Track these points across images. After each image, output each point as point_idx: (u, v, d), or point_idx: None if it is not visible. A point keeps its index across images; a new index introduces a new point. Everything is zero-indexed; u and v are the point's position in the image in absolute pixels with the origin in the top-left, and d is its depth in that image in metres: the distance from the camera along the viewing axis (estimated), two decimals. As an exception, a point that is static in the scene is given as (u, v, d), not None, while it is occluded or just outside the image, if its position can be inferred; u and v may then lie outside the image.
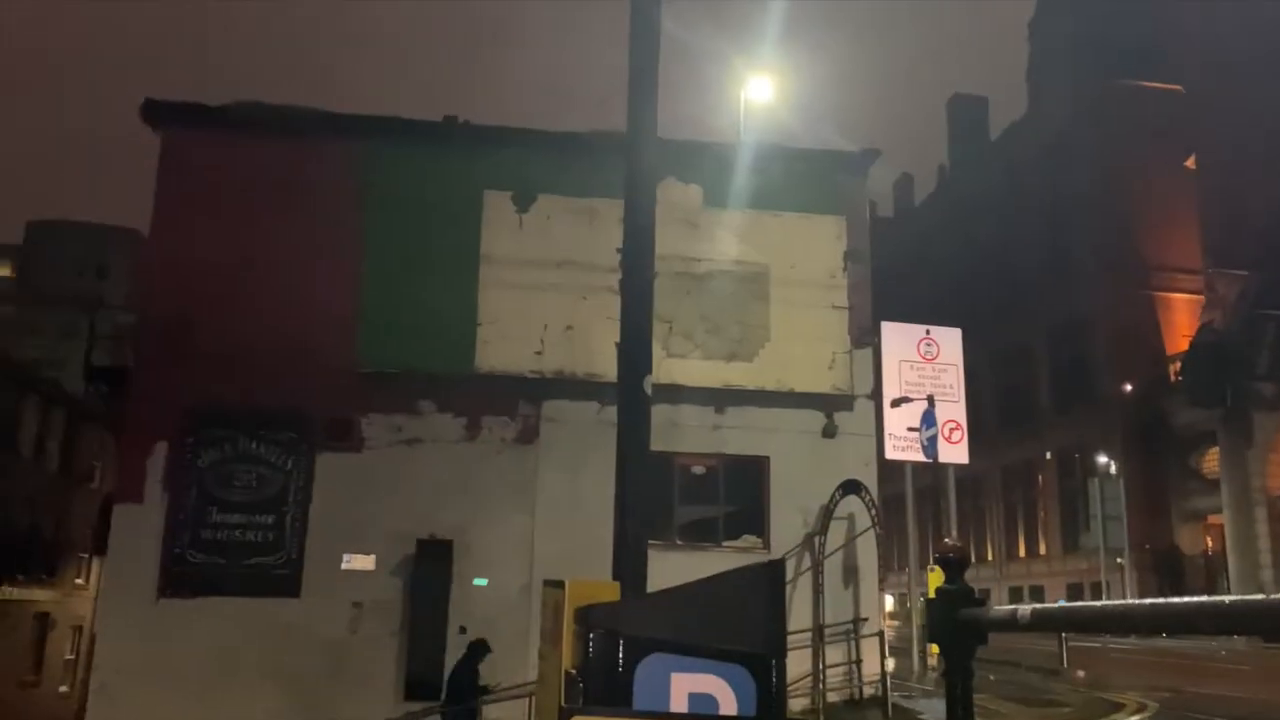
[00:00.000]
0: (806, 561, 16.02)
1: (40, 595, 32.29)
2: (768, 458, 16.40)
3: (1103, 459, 41.26)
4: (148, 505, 15.04)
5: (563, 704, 2.94)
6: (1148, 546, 41.60)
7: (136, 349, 16.25)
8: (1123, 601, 2.76)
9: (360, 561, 15.25)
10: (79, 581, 34.63)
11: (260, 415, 15.43)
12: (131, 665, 14.45)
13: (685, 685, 2.83)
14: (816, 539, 16.00)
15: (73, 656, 33.83)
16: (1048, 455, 50.31)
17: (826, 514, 15.99)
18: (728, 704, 2.86)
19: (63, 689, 33.08)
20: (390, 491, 15.38)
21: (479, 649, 13.12)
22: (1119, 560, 38.12)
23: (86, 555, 33.77)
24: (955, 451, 17.50)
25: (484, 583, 15.39)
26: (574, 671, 2.90)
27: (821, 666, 15.33)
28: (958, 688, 3.47)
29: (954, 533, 18.65)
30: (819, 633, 15.57)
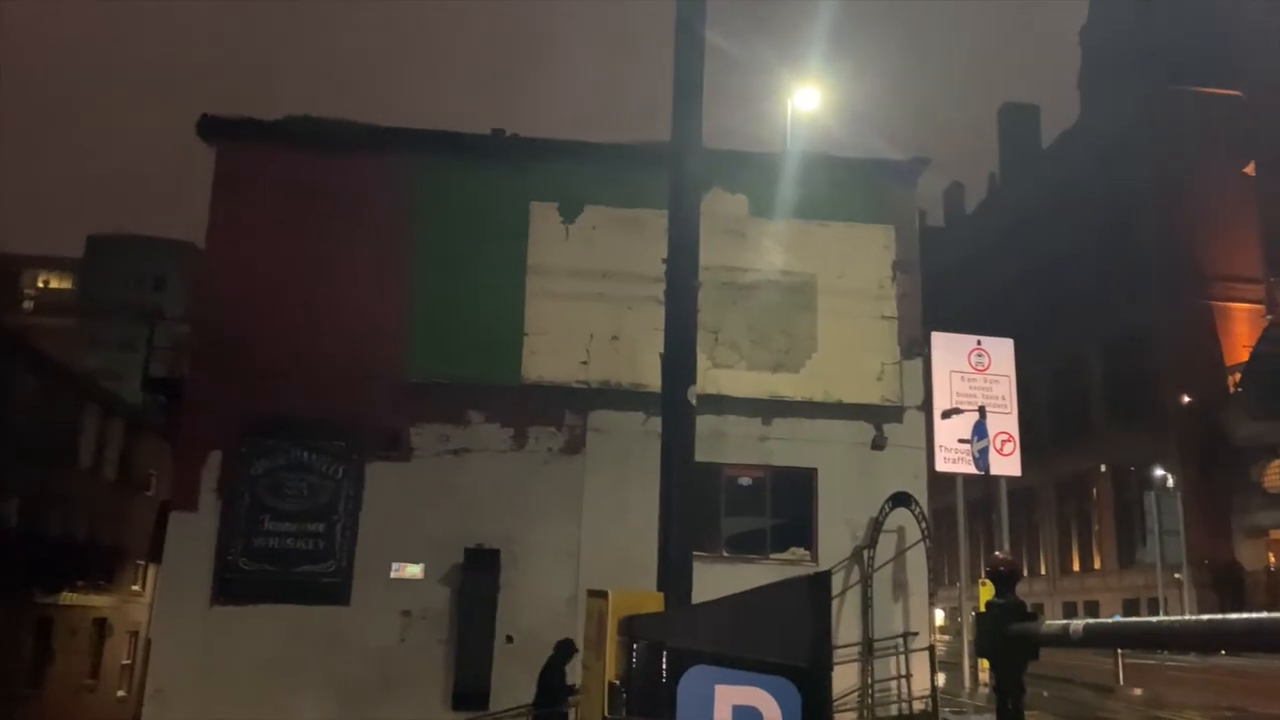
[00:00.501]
0: (855, 575, 15.86)
1: (98, 601, 32.95)
2: (815, 469, 16.29)
3: (1159, 472, 40.37)
4: (202, 513, 15.29)
5: (606, 714, 2.93)
6: (1207, 562, 40.58)
7: (192, 360, 16.55)
8: (1180, 617, 2.69)
9: (409, 570, 15.37)
10: (135, 588, 35.29)
11: (312, 425, 15.63)
12: (186, 671, 14.69)
13: (729, 697, 2.81)
14: (865, 552, 15.84)
15: (129, 661, 34.47)
16: (1102, 468, 49.33)
17: (875, 527, 15.82)
18: (772, 717, 2.83)
19: (120, 693, 33.70)
20: (438, 501, 15.50)
21: (566, 648, 13.07)
22: (1177, 576, 37.23)
23: (143, 562, 34.36)
24: (1007, 464, 17.22)
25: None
26: (617, 682, 2.90)
27: (870, 681, 15.16)
28: (1009, 704, 3.40)
29: (1006, 546, 18.34)
30: (868, 647, 15.40)
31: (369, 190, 16.65)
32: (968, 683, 17.35)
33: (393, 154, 16.86)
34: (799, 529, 16.26)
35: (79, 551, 32.33)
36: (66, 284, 76.13)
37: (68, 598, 31.24)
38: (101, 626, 33.15)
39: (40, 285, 75.37)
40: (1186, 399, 43.46)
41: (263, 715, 14.43)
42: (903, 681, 15.22)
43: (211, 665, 14.68)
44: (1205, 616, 2.46)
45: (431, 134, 17.24)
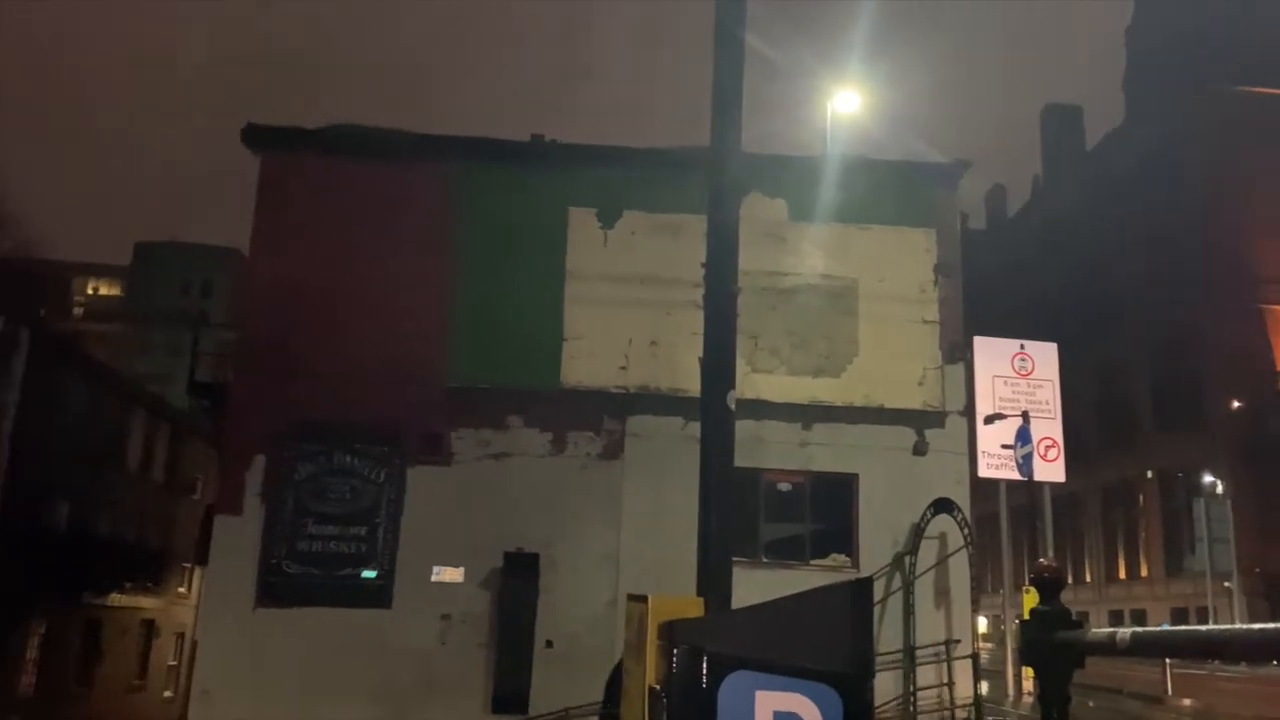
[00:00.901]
0: (896, 581, 15.71)
1: (146, 603, 33.47)
2: (856, 475, 16.17)
3: (1208, 478, 39.63)
4: (247, 517, 15.50)
5: (646, 719, 2.93)
6: (1258, 570, 39.76)
7: (237, 365, 16.80)
8: (1230, 626, 2.64)
9: (450, 574, 15.46)
10: (181, 590, 35.83)
11: (354, 429, 15.79)
12: (231, 673, 14.88)
13: (770, 703, 2.80)
14: (907, 558, 15.70)
15: (175, 662, 35.00)
16: (1149, 474, 48.53)
17: (917, 533, 15.67)
18: None
19: (167, 694, 34.23)
20: (478, 505, 15.58)
21: None
22: (1226, 584, 36.52)
23: (189, 565, 34.88)
24: (1051, 470, 17.01)
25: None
26: (657, 686, 2.90)
27: (912, 689, 15.01)
28: (1053, 713, 3.36)
29: (1050, 553, 18.11)
30: (909, 654, 15.24)
31: (410, 196, 16.80)
32: (1011, 691, 17.14)
33: (433, 161, 17.00)
34: (839, 535, 16.15)
35: (127, 554, 32.88)
36: (115, 290, 77.59)
37: (116, 599, 31.76)
38: (149, 628, 33.69)
39: (89, 292, 76.90)
40: (1235, 404, 42.65)
41: (306, 717, 14.59)
42: (945, 689, 15.07)
43: (256, 667, 14.86)
44: (1256, 626, 2.41)
45: (471, 140, 17.36)
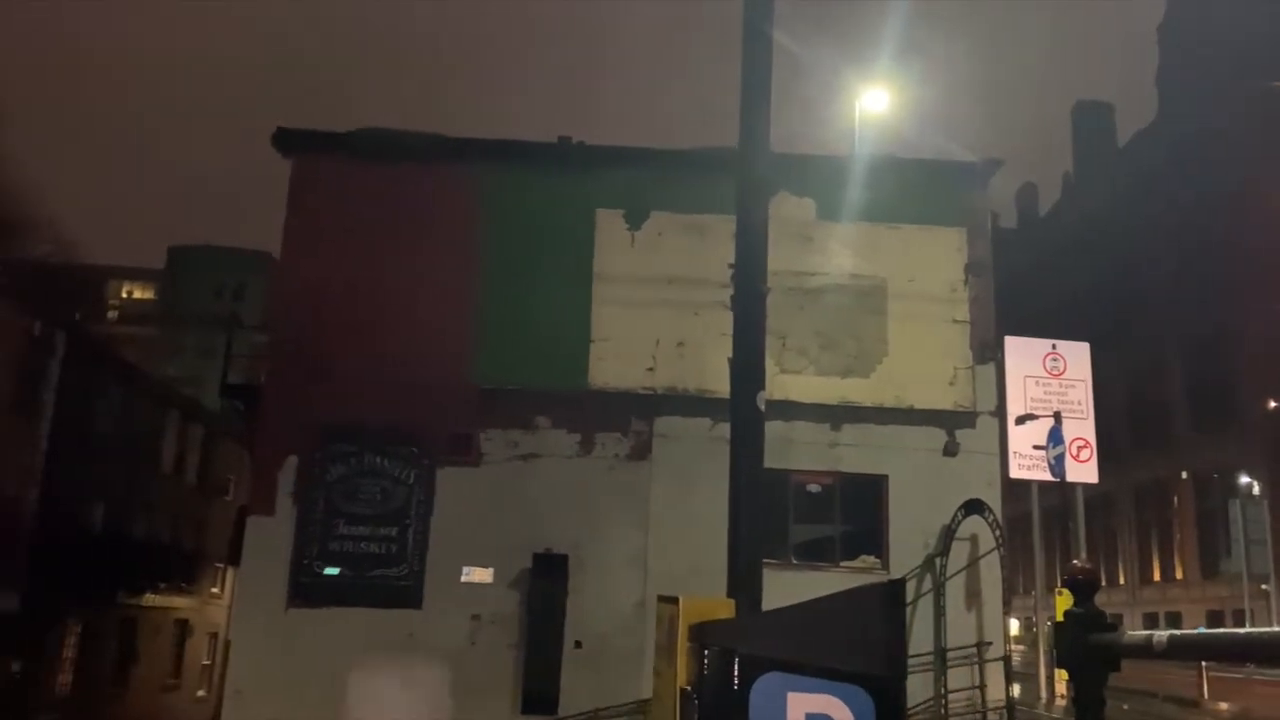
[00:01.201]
0: (927, 583, 15.60)
1: (180, 603, 33.86)
2: (886, 476, 16.07)
3: (1245, 479, 39.03)
4: (279, 517, 15.63)
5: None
6: (1296, 573, 39.10)
7: (269, 367, 16.95)
8: (1268, 629, 2.60)
9: (479, 574, 15.52)
10: (214, 590, 36.20)
11: (384, 430, 15.89)
12: (263, 672, 15.01)
13: (802, 705, 2.78)
14: (937, 560, 15.59)
15: (209, 662, 35.36)
16: (1183, 475, 47.89)
17: (948, 534, 15.56)
18: None
19: (200, 693, 34.59)
20: (507, 505, 15.63)
21: None
22: (1264, 587, 35.94)
23: (222, 565, 35.25)
24: (1084, 470, 16.82)
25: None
26: (689, 688, 2.89)
27: (943, 691, 14.91)
28: (1089, 717, 3.31)
29: (1083, 555, 17.89)
30: (940, 656, 15.13)
31: (438, 199, 16.89)
32: (1044, 694, 16.98)
33: (461, 164, 17.08)
34: (869, 537, 16.06)
35: (161, 554, 33.27)
36: (149, 294, 78.49)
37: (151, 599, 32.15)
38: (183, 627, 34.08)
39: (124, 295, 77.84)
40: (1272, 403, 42.00)
41: (338, 715, 14.69)
42: (977, 692, 14.95)
43: (288, 667, 14.98)
44: (1297, 628, 2.38)
45: (498, 143, 17.44)
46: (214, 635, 35.34)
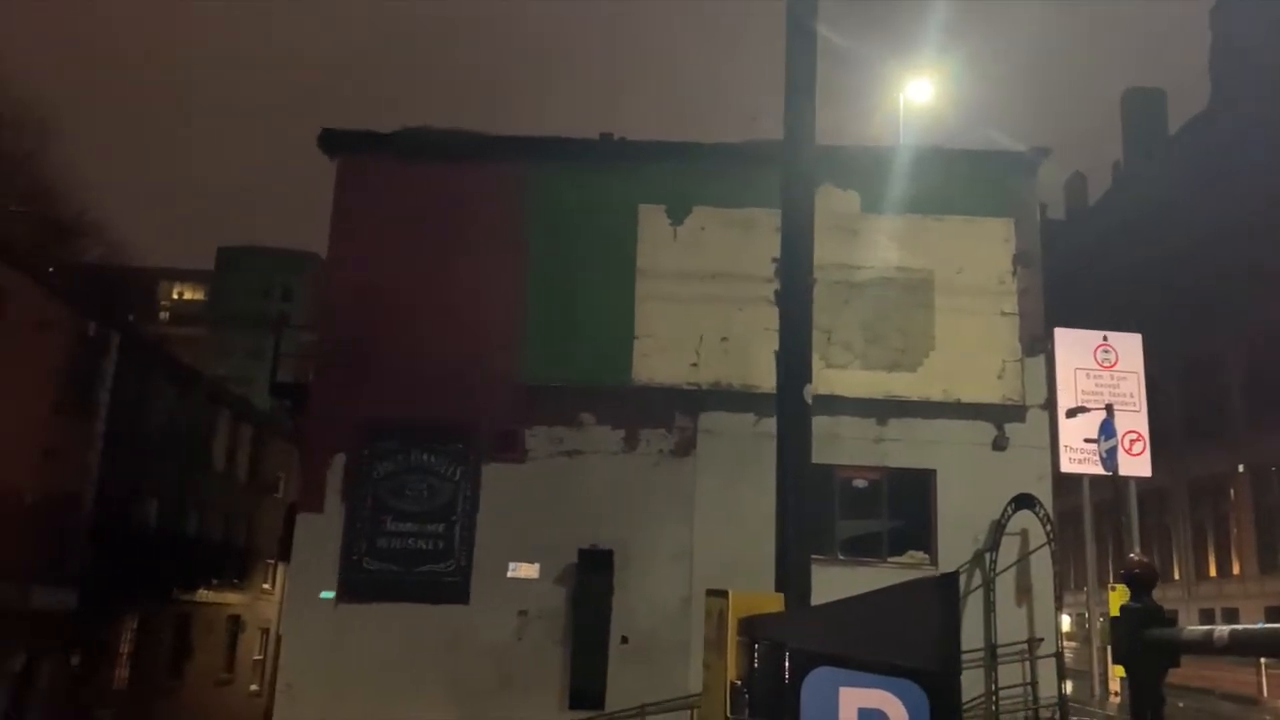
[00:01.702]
0: (977, 579, 15.42)
1: (232, 599, 34.44)
2: (934, 471, 15.90)
3: (1304, 473, 38.07)
4: (328, 514, 15.82)
5: (728, 715, 2.91)
6: (1359, 568, 38.12)
7: (316, 366, 17.15)
8: (1338, 624, 2.53)
9: (525, 570, 15.59)
10: (266, 586, 36.75)
11: (430, 428, 16.02)
12: (314, 667, 15.21)
13: (854, 700, 2.76)
14: (987, 555, 15.40)
15: (261, 657, 35.92)
16: (1240, 469, 46.88)
17: (998, 529, 15.36)
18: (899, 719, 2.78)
19: (253, 687, 35.13)
20: (553, 501, 15.69)
21: None
22: (1325, 583, 35.06)
23: (273, 561, 35.77)
24: (1137, 464, 16.51)
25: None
26: (739, 682, 2.87)
27: (994, 688, 14.72)
28: (1147, 714, 3.24)
29: (1137, 550, 17.55)
30: (991, 653, 14.95)
31: (482, 197, 16.98)
32: (1098, 691, 16.71)
33: (504, 161, 17.15)
34: (917, 532, 15.90)
35: (214, 551, 33.84)
36: (199, 295, 79.80)
37: (204, 595, 32.72)
38: (235, 623, 34.65)
39: (175, 296, 79.24)
40: (1333, 395, 40.94)
41: (387, 710, 14.84)
42: (1028, 689, 14.75)
43: (338, 661, 15.16)
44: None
45: (541, 140, 17.47)
46: (266, 630, 35.87)
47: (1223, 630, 2.86)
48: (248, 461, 36.47)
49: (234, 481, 35.57)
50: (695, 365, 16.28)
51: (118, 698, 28.02)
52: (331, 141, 17.24)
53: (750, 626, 2.99)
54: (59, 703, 25.08)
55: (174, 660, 31.04)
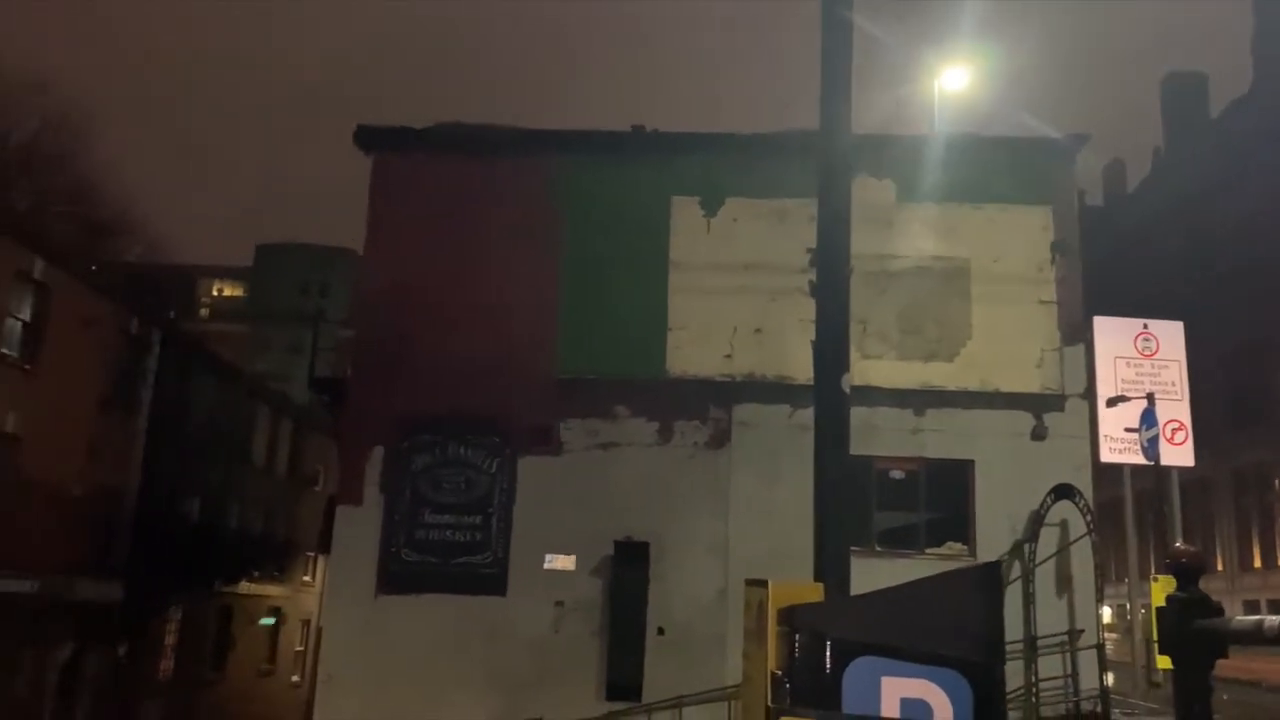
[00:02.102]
0: (1015, 570, 15.29)
1: (273, 591, 34.90)
2: (972, 461, 15.77)
3: (1352, 462, 37.38)
4: (366, 507, 15.97)
5: (769, 704, 2.91)
6: None
7: (354, 361, 17.30)
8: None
9: (561, 562, 15.65)
10: (306, 579, 37.20)
11: (466, 421, 16.12)
12: (354, 658, 15.37)
13: (897, 689, 2.75)
14: (1026, 546, 15.25)
15: (302, 648, 36.40)
16: (1286, 458, 46.05)
17: (1037, 520, 15.21)
18: (942, 711, 2.75)
19: (294, 678, 35.59)
20: (588, 494, 15.73)
21: None
22: (1374, 574, 34.42)
23: (312, 554, 36.19)
24: (1179, 453, 16.25)
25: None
26: (780, 672, 2.87)
27: (1034, 680, 14.58)
28: (1193, 706, 3.20)
29: (1179, 540, 17.31)
30: (1031, 644, 14.81)
31: (515, 191, 17.04)
32: (1140, 683, 16.51)
33: (536, 155, 17.19)
34: (955, 523, 15.78)
35: (255, 544, 34.29)
36: (238, 291, 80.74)
37: (246, 587, 33.17)
38: (277, 614, 35.09)
39: (215, 293, 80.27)
40: (1382, 383, 40.12)
41: (426, 701, 14.98)
42: (1069, 681, 14.61)
43: (378, 652, 15.32)
44: None
45: (573, 134, 17.49)
46: (306, 622, 36.32)
47: (1273, 620, 2.82)
48: (287, 455, 36.91)
49: (274, 475, 36.03)
50: (729, 357, 16.25)
51: (163, 689, 28.51)
52: (366, 138, 17.37)
53: (791, 616, 2.99)
54: (105, 693, 25.56)
55: (217, 652, 31.51)
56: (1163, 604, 3.31)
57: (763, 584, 3.14)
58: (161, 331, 28.85)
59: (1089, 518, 14.90)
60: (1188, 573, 3.29)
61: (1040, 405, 15.82)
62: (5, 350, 22.42)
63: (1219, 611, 3.26)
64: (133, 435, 27.35)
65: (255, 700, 32.36)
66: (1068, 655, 14.74)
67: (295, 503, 36.47)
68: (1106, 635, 16.73)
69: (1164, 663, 13.91)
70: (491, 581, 15.64)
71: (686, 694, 14.54)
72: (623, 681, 15.04)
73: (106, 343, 25.55)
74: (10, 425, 22.12)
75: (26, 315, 23.03)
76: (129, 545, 27.00)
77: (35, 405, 22.68)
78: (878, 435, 15.45)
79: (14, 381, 22.36)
